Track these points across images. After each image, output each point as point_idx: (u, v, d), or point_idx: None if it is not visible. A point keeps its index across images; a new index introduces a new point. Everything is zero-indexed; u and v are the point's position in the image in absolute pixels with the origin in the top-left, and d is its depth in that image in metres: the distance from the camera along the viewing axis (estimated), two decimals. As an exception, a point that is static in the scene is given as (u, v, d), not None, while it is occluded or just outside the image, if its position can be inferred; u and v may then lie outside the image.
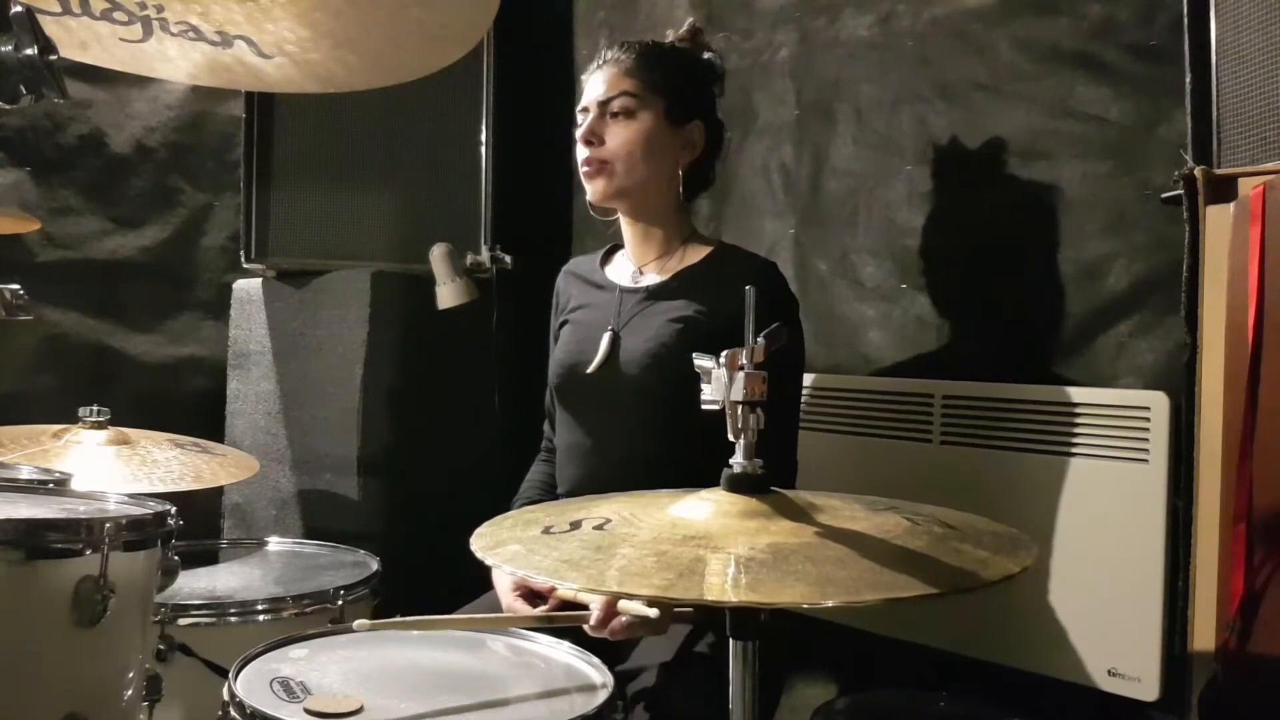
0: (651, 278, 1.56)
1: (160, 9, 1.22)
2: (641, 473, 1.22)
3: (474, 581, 1.46)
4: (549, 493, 1.61)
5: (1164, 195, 1.49)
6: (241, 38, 1.25)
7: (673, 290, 1.52)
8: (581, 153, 1.54)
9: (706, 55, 1.61)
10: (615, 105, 1.51)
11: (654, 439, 1.46)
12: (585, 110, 1.54)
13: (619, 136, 1.51)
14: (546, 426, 1.69)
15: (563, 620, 1.24)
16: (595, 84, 1.54)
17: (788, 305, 1.52)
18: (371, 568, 1.71)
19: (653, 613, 1.20)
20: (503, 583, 1.41)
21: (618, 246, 1.66)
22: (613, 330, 1.52)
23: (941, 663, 1.67)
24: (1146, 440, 1.48)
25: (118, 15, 1.21)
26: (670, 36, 1.61)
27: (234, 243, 2.37)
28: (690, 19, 1.65)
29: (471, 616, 1.30)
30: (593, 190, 1.55)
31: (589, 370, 1.51)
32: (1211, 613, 1.33)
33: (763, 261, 1.55)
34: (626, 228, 1.61)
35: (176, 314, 2.48)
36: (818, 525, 0.88)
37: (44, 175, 2.38)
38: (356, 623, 1.18)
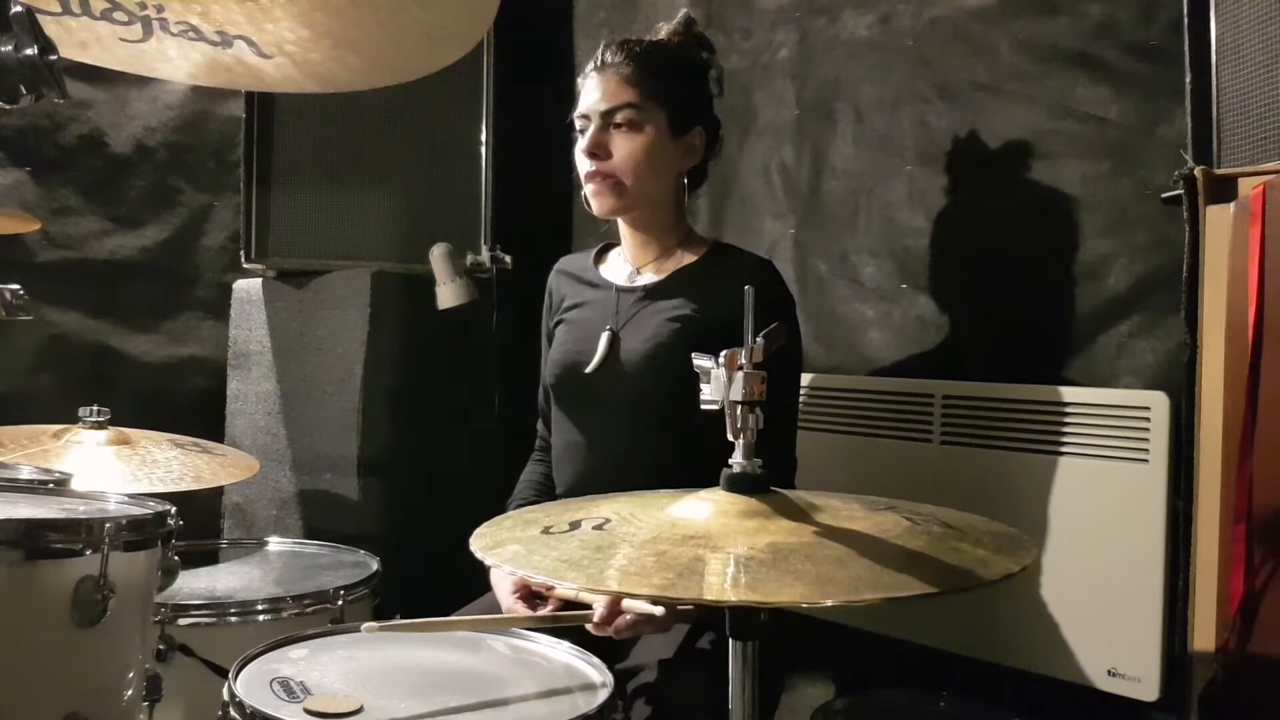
0: (648, 277, 1.56)
1: (160, 9, 1.21)
2: (640, 472, 1.22)
3: (474, 582, 1.46)
4: (545, 492, 1.61)
5: (1164, 195, 1.49)
6: (241, 38, 1.25)
7: (670, 290, 1.52)
8: (585, 165, 1.51)
9: (704, 55, 1.58)
10: (619, 118, 1.48)
11: (653, 438, 1.46)
12: (585, 118, 1.51)
13: (624, 149, 1.48)
14: (540, 425, 1.69)
15: (568, 620, 1.24)
16: (594, 91, 1.50)
17: (784, 303, 1.52)
18: (371, 568, 1.71)
19: (658, 610, 1.20)
20: (502, 585, 1.41)
21: (611, 244, 1.66)
22: (611, 330, 1.52)
23: (941, 663, 1.67)
24: (1146, 440, 1.48)
25: (118, 15, 1.21)
26: (663, 31, 1.57)
27: (234, 243, 2.37)
28: (684, 10, 1.63)
29: (479, 618, 1.30)
30: (600, 205, 1.52)
31: (588, 370, 1.51)
32: (1211, 613, 1.33)
33: (759, 259, 1.55)
34: (626, 233, 1.60)
35: (176, 314, 2.48)
36: (817, 525, 0.88)
37: (44, 175, 2.37)
38: (365, 626, 1.18)
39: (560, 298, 1.65)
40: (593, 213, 1.55)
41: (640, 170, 1.49)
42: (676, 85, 1.52)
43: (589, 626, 1.23)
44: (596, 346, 1.51)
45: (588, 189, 1.53)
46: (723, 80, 1.61)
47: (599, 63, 1.52)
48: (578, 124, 1.54)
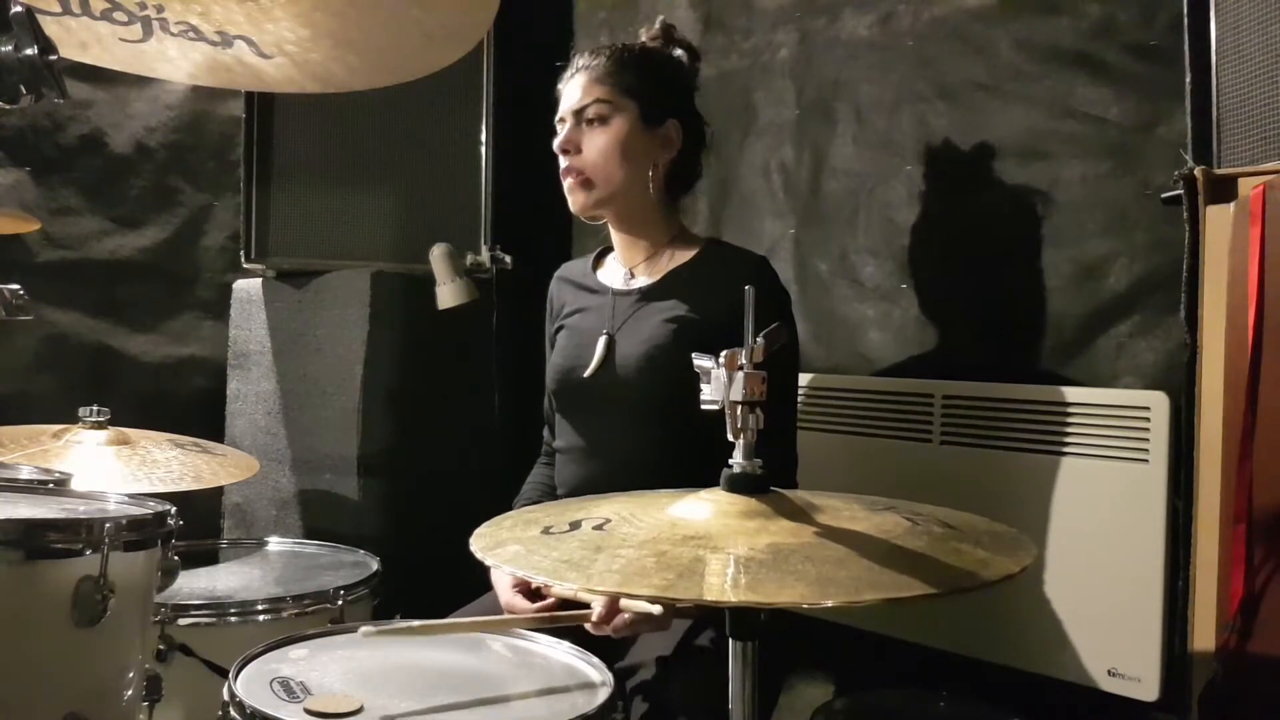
0: (643, 279, 1.56)
1: (160, 9, 1.21)
2: (641, 474, 1.22)
3: (474, 582, 1.46)
4: (550, 495, 1.61)
5: (1164, 195, 1.49)
6: (241, 38, 1.25)
7: (664, 291, 1.52)
8: (561, 163, 1.55)
9: (677, 52, 1.60)
10: (589, 113, 1.52)
11: (653, 440, 1.46)
12: (562, 120, 1.55)
13: (594, 144, 1.52)
14: (546, 432, 1.69)
15: (566, 620, 1.24)
16: (570, 93, 1.55)
17: (780, 300, 1.52)
18: (371, 568, 1.70)
19: (656, 609, 1.20)
20: (501, 580, 1.41)
21: (608, 249, 1.67)
22: (608, 334, 1.52)
23: (941, 663, 1.67)
24: (1146, 440, 1.48)
25: (118, 15, 1.21)
26: (643, 36, 1.60)
27: (234, 243, 2.37)
28: (660, 18, 1.64)
29: (475, 620, 1.29)
30: (573, 203, 1.55)
31: (586, 374, 1.51)
32: (1211, 613, 1.33)
33: (753, 257, 1.55)
34: (614, 233, 1.61)
35: (176, 314, 2.48)
36: (817, 525, 0.88)
37: (44, 175, 2.37)
38: (362, 630, 1.18)
39: (560, 304, 1.66)
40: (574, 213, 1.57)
41: (609, 163, 1.51)
42: (647, 78, 1.54)
43: (588, 626, 1.23)
44: (594, 351, 1.51)
45: (564, 188, 1.56)
46: (696, 77, 1.62)
47: (574, 68, 1.56)
48: (557, 129, 1.56)
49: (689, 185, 1.63)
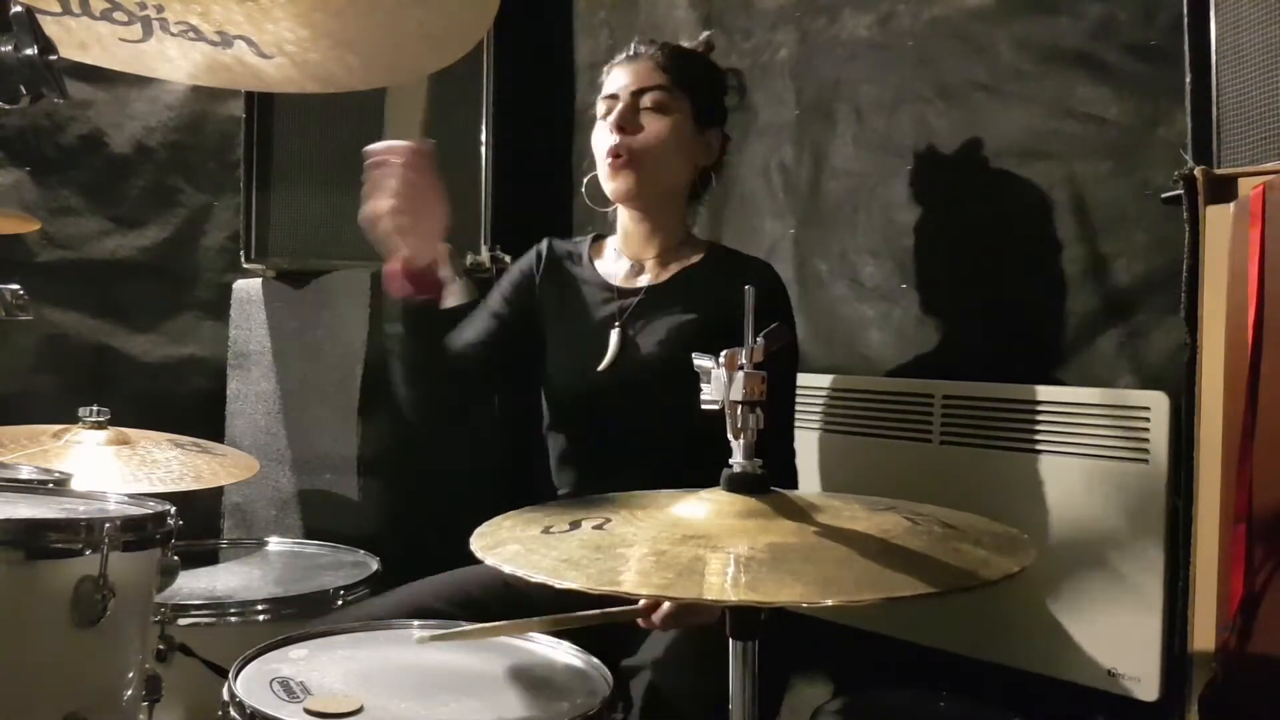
0: (649, 277, 1.56)
1: (160, 9, 1.21)
2: (649, 472, 1.22)
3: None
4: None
5: (1164, 195, 1.49)
6: (241, 38, 1.25)
7: (675, 291, 1.52)
8: (609, 141, 1.49)
9: (727, 71, 1.63)
10: (649, 99, 1.50)
11: (662, 438, 1.46)
12: (613, 98, 1.51)
13: (653, 127, 1.49)
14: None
15: (616, 616, 1.20)
16: (623, 76, 1.52)
17: (783, 304, 1.53)
18: (371, 568, 1.71)
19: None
20: None
21: (601, 236, 1.65)
22: (620, 329, 1.51)
23: (941, 663, 1.67)
24: (1146, 440, 1.48)
25: (118, 15, 1.21)
26: (686, 43, 1.61)
27: (234, 243, 2.37)
28: (707, 33, 1.65)
29: (523, 622, 1.26)
30: (619, 184, 1.50)
31: (600, 368, 1.50)
32: (1211, 613, 1.33)
33: (758, 263, 1.56)
34: (631, 222, 1.58)
35: (176, 314, 2.48)
36: (817, 525, 0.88)
37: (44, 175, 2.37)
38: (417, 637, 1.17)
39: (550, 284, 1.60)
40: (602, 202, 1.55)
41: (665, 150, 1.50)
42: (703, 82, 1.55)
43: (639, 621, 1.21)
44: (601, 346, 1.50)
45: (607, 167, 1.50)
46: (744, 92, 1.64)
47: (631, 53, 1.55)
48: (602, 106, 1.53)
49: (699, 197, 1.63)
